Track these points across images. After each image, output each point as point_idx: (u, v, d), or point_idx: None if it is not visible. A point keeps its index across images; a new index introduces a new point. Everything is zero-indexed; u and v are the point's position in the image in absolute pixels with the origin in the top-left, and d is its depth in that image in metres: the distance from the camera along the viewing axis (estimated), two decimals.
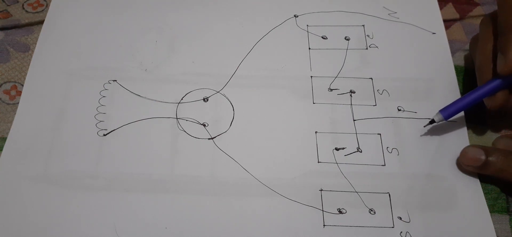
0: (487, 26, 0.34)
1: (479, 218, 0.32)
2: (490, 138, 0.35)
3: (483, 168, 0.32)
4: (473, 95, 0.33)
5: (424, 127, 0.35)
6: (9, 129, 0.36)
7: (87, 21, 0.41)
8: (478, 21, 0.41)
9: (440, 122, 0.34)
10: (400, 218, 0.32)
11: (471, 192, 0.33)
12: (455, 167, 0.34)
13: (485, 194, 0.33)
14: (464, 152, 0.33)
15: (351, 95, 0.37)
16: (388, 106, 0.36)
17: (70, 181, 0.33)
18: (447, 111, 0.33)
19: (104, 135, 0.35)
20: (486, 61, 0.33)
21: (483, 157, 0.32)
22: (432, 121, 0.34)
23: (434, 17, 0.41)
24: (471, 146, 0.33)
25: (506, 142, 0.33)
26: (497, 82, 0.32)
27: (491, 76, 0.33)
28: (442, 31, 0.40)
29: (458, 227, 0.31)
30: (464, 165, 0.33)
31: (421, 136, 0.35)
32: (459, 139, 0.35)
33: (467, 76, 0.38)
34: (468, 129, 0.35)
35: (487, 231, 0.31)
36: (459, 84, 0.37)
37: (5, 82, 0.39)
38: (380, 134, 0.35)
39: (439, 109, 0.34)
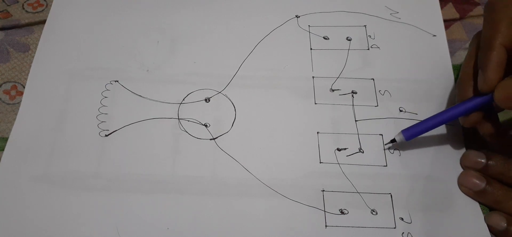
0: (475, 42, 0.33)
1: (479, 219, 0.32)
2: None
3: (481, 195, 0.32)
4: (438, 118, 0.32)
5: (385, 144, 0.34)
6: (9, 129, 0.36)
7: (89, 21, 0.41)
8: (478, 21, 0.41)
9: (402, 141, 0.33)
10: (402, 219, 0.32)
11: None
12: (455, 168, 0.34)
13: None
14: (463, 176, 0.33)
15: (352, 96, 0.37)
16: (389, 107, 0.36)
17: (71, 181, 0.33)
18: (409, 132, 0.32)
19: (106, 136, 0.35)
20: (467, 77, 0.32)
21: (482, 184, 0.32)
22: (393, 140, 0.33)
23: (435, 18, 0.41)
24: (471, 172, 0.33)
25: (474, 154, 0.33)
26: (468, 104, 0.31)
27: (470, 93, 0.32)
28: (443, 33, 0.40)
29: (459, 228, 0.32)
30: (463, 186, 0.33)
31: (422, 137, 0.35)
32: (460, 140, 0.35)
33: None
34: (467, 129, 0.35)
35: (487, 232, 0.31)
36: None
37: (5, 82, 0.38)
38: (382, 135, 0.35)
39: (402, 129, 0.33)
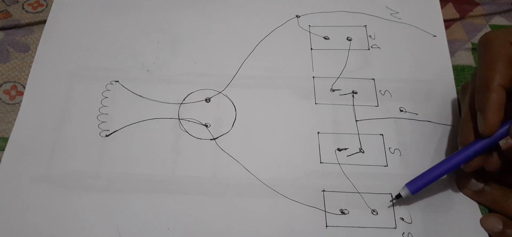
0: (475, 81, 0.31)
1: (478, 219, 0.32)
2: None
3: (479, 195, 0.32)
4: (441, 169, 0.30)
5: (390, 201, 0.32)
6: (10, 129, 0.36)
7: (89, 21, 0.41)
8: (478, 21, 0.41)
9: (407, 196, 0.31)
10: (402, 219, 0.32)
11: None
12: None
13: None
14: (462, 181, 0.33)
15: (353, 96, 0.37)
16: (390, 107, 0.36)
17: (72, 181, 0.33)
18: (414, 186, 0.31)
19: (106, 136, 0.35)
20: (468, 119, 0.31)
21: (481, 184, 0.31)
22: (398, 196, 0.32)
23: (435, 18, 0.41)
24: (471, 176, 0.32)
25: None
26: (471, 150, 0.30)
27: (471, 136, 0.30)
28: (443, 33, 0.40)
29: (459, 228, 0.32)
30: (462, 186, 0.33)
31: (422, 137, 0.35)
32: None
33: (467, 76, 0.38)
34: None
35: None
36: (458, 86, 0.37)
37: (5, 82, 0.38)
38: (382, 135, 0.35)
39: (406, 183, 0.32)
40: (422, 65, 0.38)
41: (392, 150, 0.35)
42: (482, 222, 0.31)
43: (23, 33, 0.41)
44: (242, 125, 0.36)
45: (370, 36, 0.40)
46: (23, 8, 0.42)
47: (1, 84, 0.38)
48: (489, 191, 0.31)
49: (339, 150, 0.35)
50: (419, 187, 0.31)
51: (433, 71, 0.38)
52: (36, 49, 0.39)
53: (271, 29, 0.40)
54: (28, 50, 0.40)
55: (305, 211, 0.32)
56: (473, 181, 0.32)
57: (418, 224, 0.32)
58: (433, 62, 0.39)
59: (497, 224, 0.30)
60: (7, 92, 0.38)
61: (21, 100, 0.37)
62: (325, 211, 0.32)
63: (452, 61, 0.39)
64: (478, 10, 0.42)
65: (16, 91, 0.38)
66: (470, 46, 0.40)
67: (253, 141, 0.35)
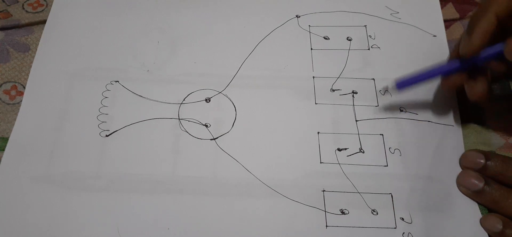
0: None
1: (478, 219, 0.32)
2: (488, 139, 0.35)
3: (479, 195, 0.32)
4: (428, 72, 0.33)
5: (379, 91, 0.37)
6: (10, 129, 0.36)
7: (89, 21, 0.41)
8: None
9: (394, 90, 0.35)
10: (402, 219, 0.32)
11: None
12: (455, 168, 0.34)
13: None
14: (461, 175, 0.33)
15: (353, 95, 0.37)
16: (390, 107, 0.36)
17: (72, 181, 0.33)
18: (401, 82, 0.34)
19: (107, 136, 0.35)
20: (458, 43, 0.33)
21: (481, 184, 0.31)
22: (386, 89, 0.36)
23: (435, 18, 0.41)
24: (470, 172, 0.33)
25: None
26: (453, 64, 0.32)
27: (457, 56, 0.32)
28: (443, 33, 0.40)
29: (459, 228, 0.32)
30: (461, 186, 0.33)
31: (422, 137, 0.35)
32: (460, 140, 0.35)
33: None
34: (467, 130, 0.36)
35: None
36: None
37: (5, 82, 0.38)
38: (382, 135, 0.35)
39: (396, 80, 0.34)
40: (422, 65, 0.38)
41: (392, 150, 0.35)
42: (482, 222, 0.32)
43: (23, 33, 0.41)
44: (242, 125, 0.36)
45: (370, 36, 0.40)
46: (23, 8, 0.42)
47: (1, 84, 0.38)
48: (489, 191, 0.31)
49: (339, 150, 0.35)
50: (405, 84, 0.34)
51: None
52: (36, 49, 0.40)
53: (271, 29, 0.40)
54: (28, 50, 0.40)
55: (305, 211, 0.32)
56: (473, 181, 0.32)
57: (418, 224, 0.32)
58: (433, 62, 0.38)
59: (497, 224, 0.30)
60: (7, 92, 0.38)
61: (21, 100, 0.37)
62: (325, 211, 0.32)
63: None
64: None
65: (16, 91, 0.38)
66: None
67: (253, 141, 0.35)
